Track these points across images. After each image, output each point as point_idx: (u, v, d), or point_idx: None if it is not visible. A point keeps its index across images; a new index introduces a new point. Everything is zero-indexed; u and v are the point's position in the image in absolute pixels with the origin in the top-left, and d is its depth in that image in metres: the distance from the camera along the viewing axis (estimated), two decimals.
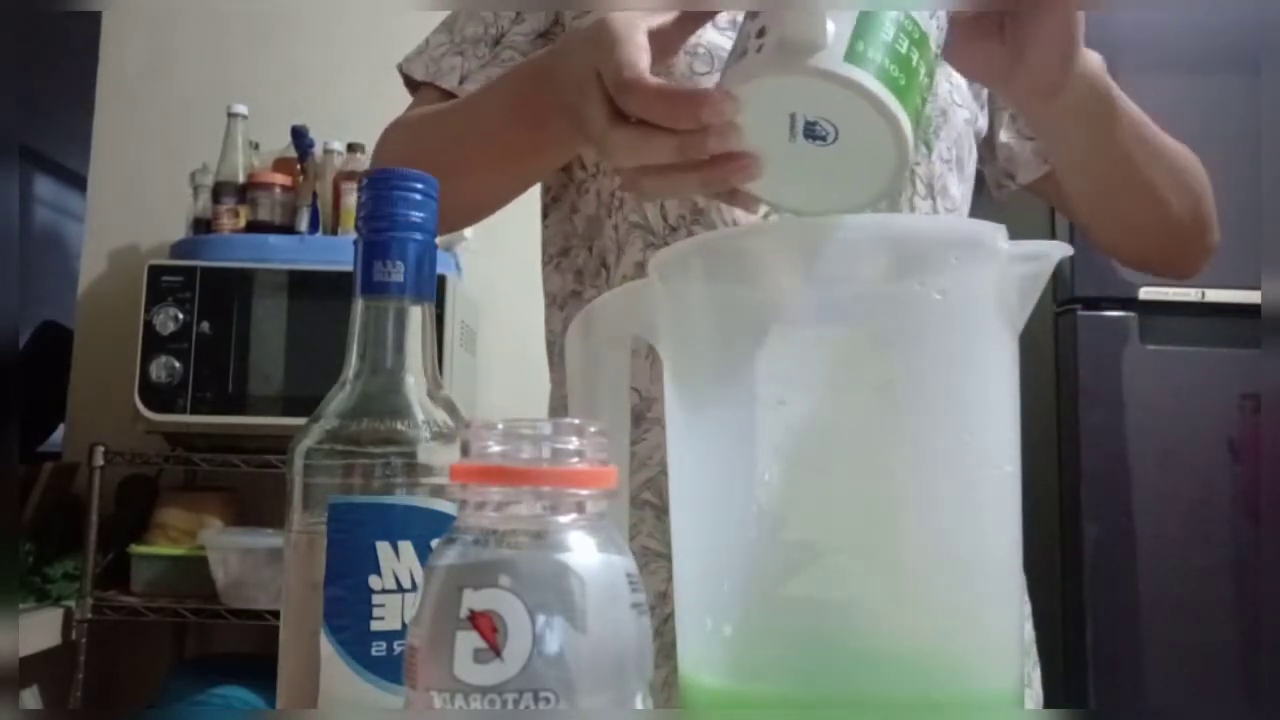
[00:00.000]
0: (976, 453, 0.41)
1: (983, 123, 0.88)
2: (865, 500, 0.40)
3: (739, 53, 0.47)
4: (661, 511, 0.76)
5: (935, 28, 0.47)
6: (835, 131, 0.45)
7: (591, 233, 0.85)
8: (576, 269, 0.86)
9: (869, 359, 0.41)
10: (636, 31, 0.54)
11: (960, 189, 0.85)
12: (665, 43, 0.57)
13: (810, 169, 0.47)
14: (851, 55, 0.43)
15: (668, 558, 0.75)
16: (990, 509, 0.41)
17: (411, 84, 0.90)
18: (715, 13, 0.57)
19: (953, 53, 0.58)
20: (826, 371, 0.41)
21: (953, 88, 0.83)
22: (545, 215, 0.91)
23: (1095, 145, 0.72)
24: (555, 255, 0.89)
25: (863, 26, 0.44)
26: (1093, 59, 0.66)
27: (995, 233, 0.42)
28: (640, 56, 0.53)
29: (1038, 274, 0.42)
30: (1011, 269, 0.42)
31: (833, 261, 0.43)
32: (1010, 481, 0.42)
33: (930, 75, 0.47)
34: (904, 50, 0.45)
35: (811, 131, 0.46)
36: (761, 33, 0.46)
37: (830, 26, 0.44)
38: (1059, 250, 0.43)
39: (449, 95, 0.86)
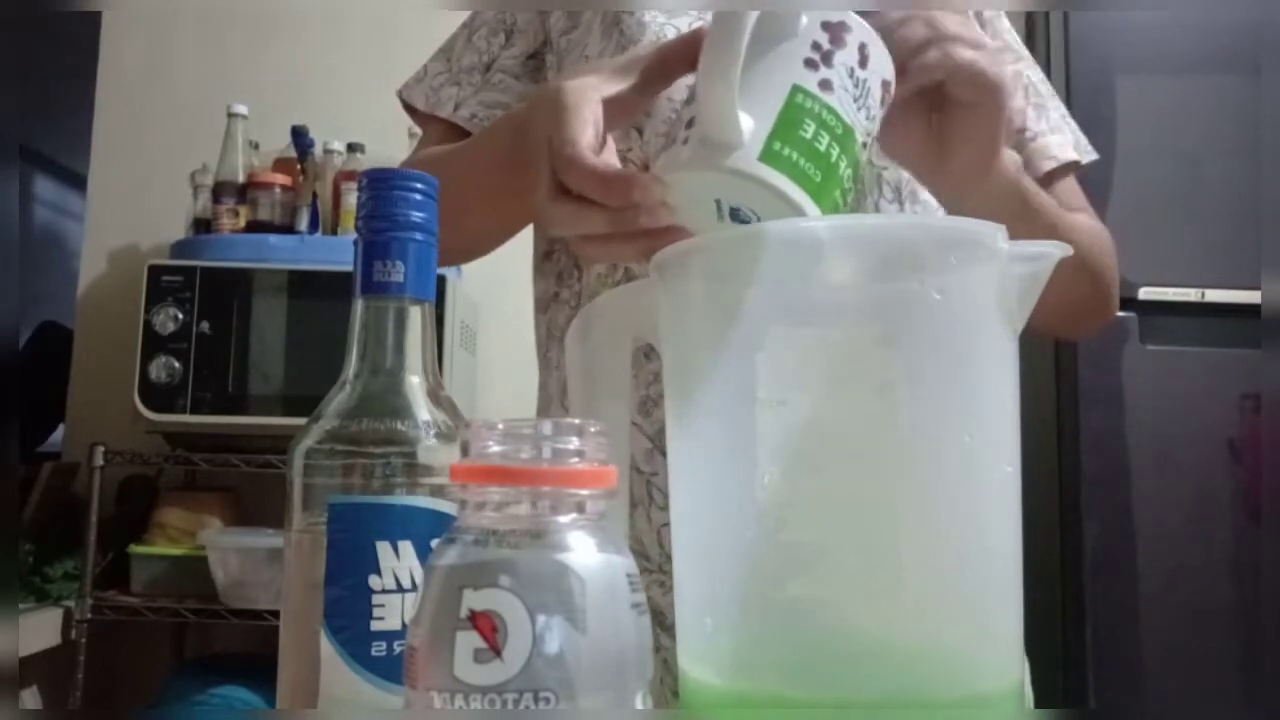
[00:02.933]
0: (976, 453, 0.41)
1: None
2: (865, 500, 0.40)
3: (671, 139, 0.51)
4: (631, 505, 0.78)
5: (864, 119, 0.50)
6: (757, 216, 0.49)
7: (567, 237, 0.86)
8: (557, 271, 0.88)
9: (869, 359, 0.41)
10: (587, 104, 0.56)
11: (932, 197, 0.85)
12: (624, 108, 0.58)
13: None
14: (767, 154, 0.47)
15: (636, 550, 0.77)
16: (990, 509, 0.41)
17: (413, 111, 0.93)
18: (675, 79, 0.59)
19: (882, 134, 0.60)
20: (826, 371, 0.41)
21: None
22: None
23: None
24: (540, 259, 0.91)
25: (782, 125, 0.48)
26: (1011, 159, 0.68)
27: (995, 233, 0.42)
28: (584, 131, 0.55)
29: (1038, 274, 0.42)
30: (1011, 269, 0.42)
31: (832, 261, 0.43)
32: (1010, 481, 0.42)
33: (853, 166, 0.50)
34: (822, 147, 0.48)
35: (736, 215, 0.50)
36: (690, 123, 0.49)
37: (749, 125, 0.47)
38: (1059, 250, 0.43)
39: (452, 125, 0.89)
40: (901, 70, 0.56)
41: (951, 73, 0.57)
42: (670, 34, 0.81)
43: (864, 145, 0.51)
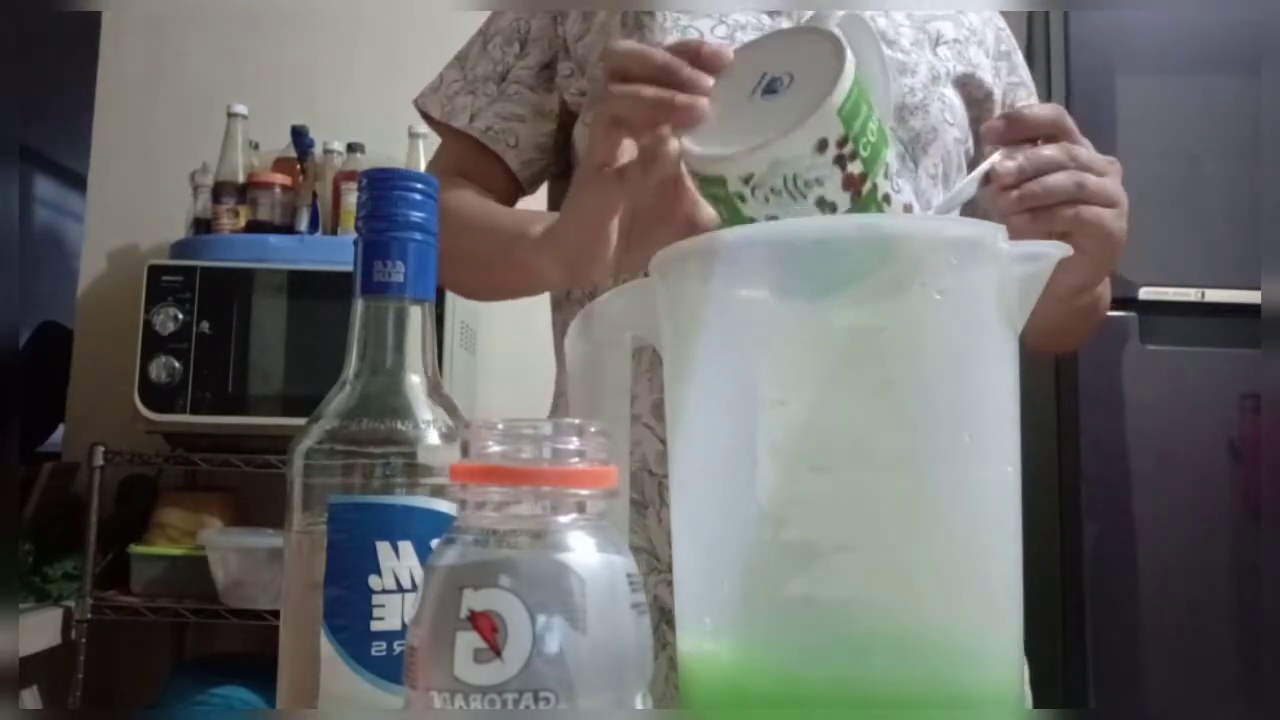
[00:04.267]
0: (976, 453, 0.41)
1: (971, 145, 0.89)
2: (865, 500, 0.40)
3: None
4: (641, 506, 0.78)
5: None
6: (788, 83, 0.50)
7: None
8: None
9: (869, 359, 0.41)
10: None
11: None
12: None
13: (744, 124, 0.51)
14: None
15: (647, 550, 0.77)
16: (990, 509, 0.41)
17: (429, 119, 0.93)
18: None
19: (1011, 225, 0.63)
20: (826, 371, 0.41)
21: (946, 106, 0.84)
22: (552, 200, 0.93)
23: (1065, 314, 0.76)
24: None
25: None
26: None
27: (995, 233, 0.42)
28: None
29: (1038, 274, 0.42)
30: (1011, 269, 0.42)
31: (833, 261, 0.43)
32: (1010, 481, 0.42)
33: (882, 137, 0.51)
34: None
35: (771, 86, 0.50)
36: None
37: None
38: (1059, 250, 0.43)
39: (464, 134, 0.90)
40: (1034, 209, 0.59)
41: (1079, 226, 0.61)
42: (693, 35, 0.81)
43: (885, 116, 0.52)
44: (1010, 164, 0.60)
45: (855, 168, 0.49)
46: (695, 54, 0.54)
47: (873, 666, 0.39)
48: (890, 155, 0.51)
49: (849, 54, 0.49)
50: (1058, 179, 0.60)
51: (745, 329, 0.43)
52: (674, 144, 0.53)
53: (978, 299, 0.42)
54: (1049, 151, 0.61)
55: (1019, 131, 0.62)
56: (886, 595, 0.40)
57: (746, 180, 0.49)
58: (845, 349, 0.41)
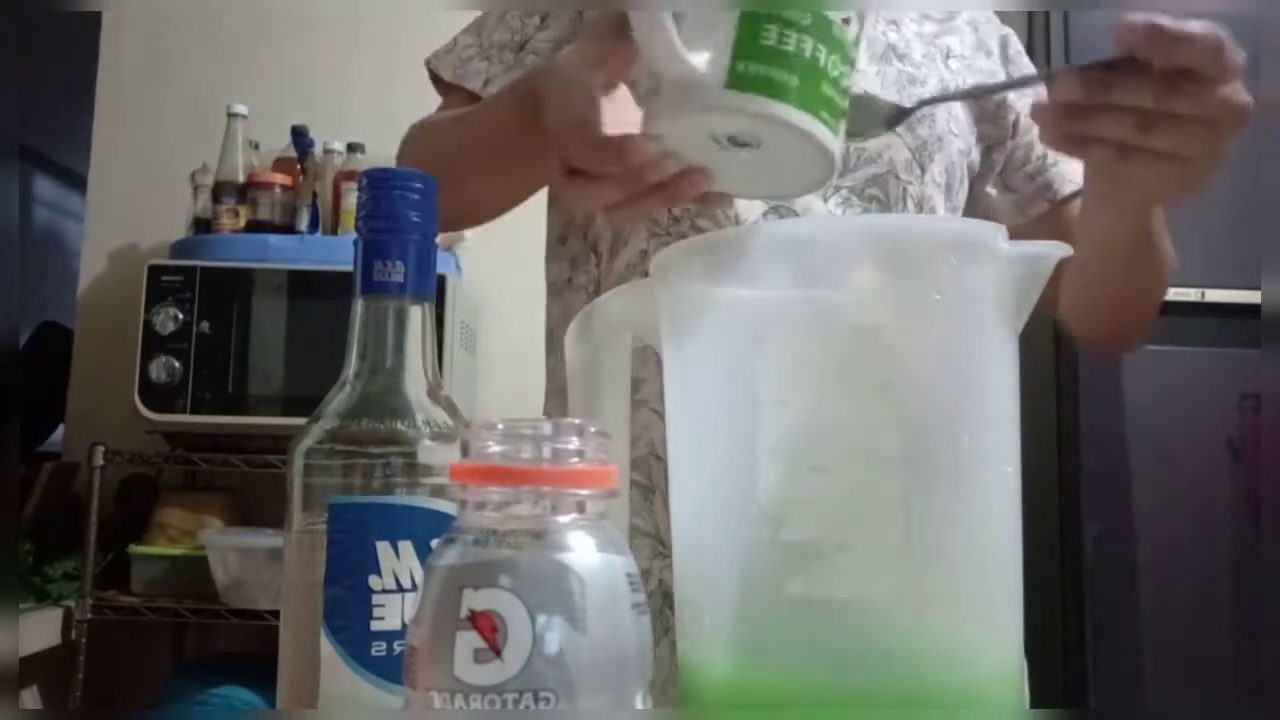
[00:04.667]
0: (977, 453, 0.41)
1: (976, 156, 0.90)
2: (865, 500, 0.40)
3: (651, 90, 0.50)
4: (648, 491, 0.78)
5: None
6: (757, 140, 0.48)
7: (585, 221, 0.87)
8: (571, 256, 0.88)
9: (869, 359, 0.41)
10: (579, 83, 0.58)
11: (947, 212, 0.87)
12: (619, 62, 0.58)
13: (756, 163, 0.49)
14: (733, 79, 0.45)
15: (652, 535, 0.77)
16: (991, 509, 0.41)
17: (438, 80, 0.92)
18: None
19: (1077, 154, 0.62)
20: (826, 371, 0.41)
21: (951, 118, 0.85)
22: (550, 205, 0.93)
23: (1115, 256, 0.75)
24: (554, 243, 0.91)
25: (741, 43, 0.46)
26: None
27: (995, 233, 0.42)
28: (584, 108, 0.56)
29: (1038, 274, 0.42)
30: (1011, 269, 0.42)
31: (833, 261, 0.43)
32: (1010, 481, 0.42)
33: (841, 50, 0.47)
34: (792, 46, 0.46)
35: (736, 141, 0.49)
36: (653, 76, 0.49)
37: (704, 57, 0.46)
38: (1058, 250, 0.43)
39: (475, 97, 0.89)
40: (1173, 45, 0.54)
41: (1223, 109, 0.60)
42: None
43: (851, 20, 0.48)
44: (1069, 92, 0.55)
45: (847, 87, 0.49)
46: (623, 158, 0.52)
47: (872, 666, 0.39)
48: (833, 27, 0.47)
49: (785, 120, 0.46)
50: (1220, 45, 0.56)
51: (745, 329, 0.43)
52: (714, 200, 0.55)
53: (977, 299, 0.42)
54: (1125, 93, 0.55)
55: (1163, 52, 0.54)
56: (886, 595, 0.40)
57: None
58: (845, 349, 0.41)
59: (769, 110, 0.45)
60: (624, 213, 0.57)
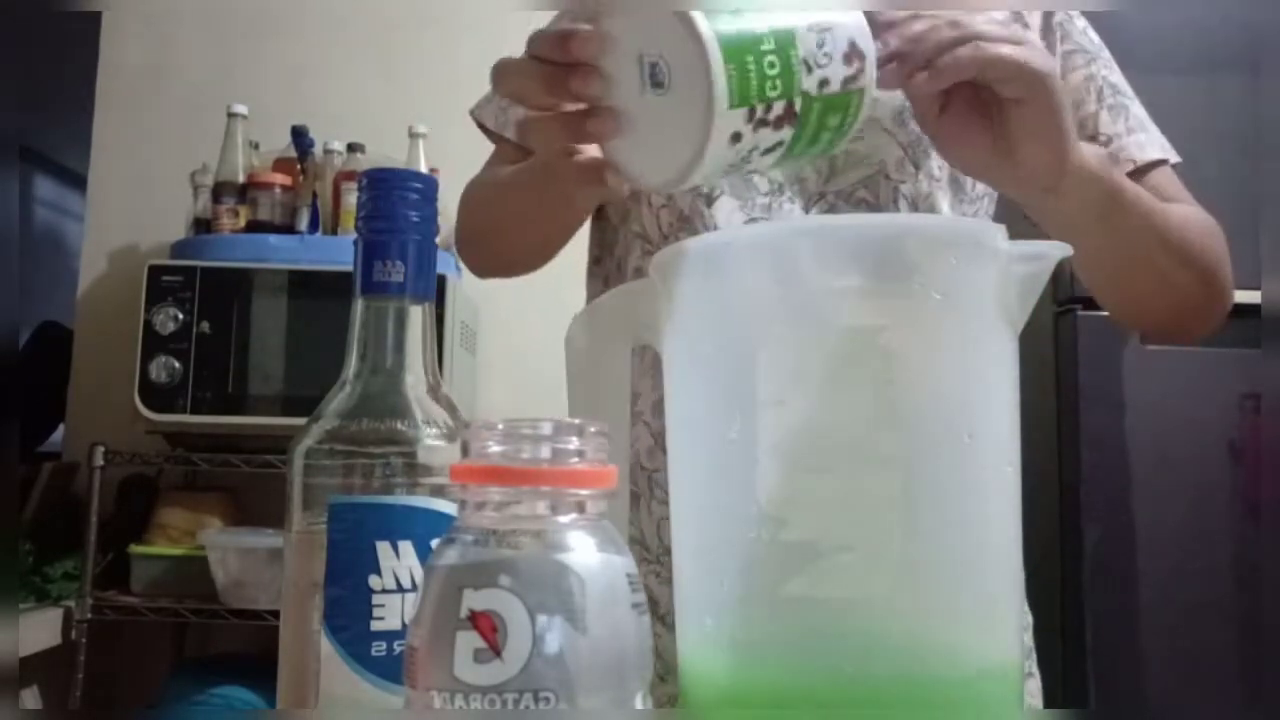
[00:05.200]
0: (976, 453, 0.41)
1: None
2: (865, 501, 0.40)
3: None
4: (634, 498, 0.80)
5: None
6: (669, 73, 0.49)
7: (612, 241, 0.90)
8: (605, 276, 0.91)
9: (869, 359, 0.41)
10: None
11: (958, 210, 0.85)
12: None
13: (657, 120, 0.51)
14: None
15: (637, 542, 0.79)
16: (990, 509, 0.41)
17: (484, 129, 0.94)
18: None
19: (944, 147, 0.61)
20: (826, 371, 0.41)
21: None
22: (591, 224, 0.94)
23: (1101, 236, 0.70)
24: (591, 263, 0.94)
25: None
26: (1093, 153, 0.66)
27: (995, 233, 0.42)
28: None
29: (1038, 274, 0.42)
30: (1011, 269, 0.42)
31: (833, 261, 0.43)
32: (1010, 481, 0.42)
33: (782, 46, 0.49)
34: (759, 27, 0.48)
35: (655, 75, 0.50)
36: None
37: None
38: (1059, 250, 0.43)
39: (520, 147, 0.90)
40: (926, 69, 0.56)
41: (986, 68, 0.56)
42: None
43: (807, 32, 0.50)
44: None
45: (779, 110, 0.49)
46: (565, 46, 0.54)
47: (872, 667, 0.39)
48: (798, 50, 0.49)
49: (702, 36, 0.47)
50: (935, 29, 0.57)
51: (744, 329, 0.43)
52: (612, 177, 0.56)
53: (978, 299, 0.42)
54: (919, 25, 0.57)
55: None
56: (886, 595, 0.40)
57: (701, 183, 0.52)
58: (845, 349, 0.41)
59: (698, 28, 0.47)
60: (533, 123, 0.57)
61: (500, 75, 0.58)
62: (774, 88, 0.48)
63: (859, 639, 0.40)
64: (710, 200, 0.81)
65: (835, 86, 0.50)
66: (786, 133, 0.50)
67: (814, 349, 0.41)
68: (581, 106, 0.55)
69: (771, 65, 0.48)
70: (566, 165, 0.61)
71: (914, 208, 0.82)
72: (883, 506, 0.40)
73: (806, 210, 0.81)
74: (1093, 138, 0.86)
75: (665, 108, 0.50)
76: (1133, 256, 0.74)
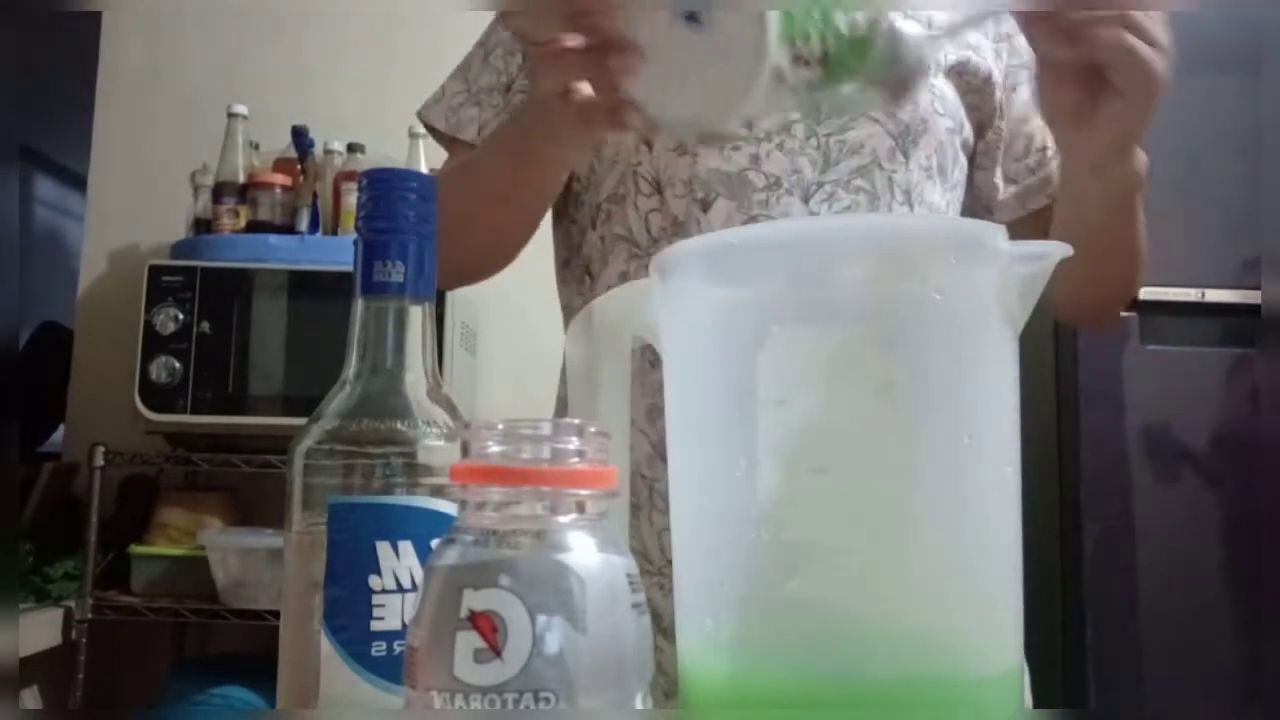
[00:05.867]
0: (976, 453, 0.41)
1: (969, 134, 0.89)
2: (865, 501, 0.40)
3: None
4: (634, 509, 0.79)
5: None
6: (707, 5, 0.48)
7: (580, 243, 0.88)
8: (575, 278, 0.89)
9: (869, 359, 0.41)
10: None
11: (945, 197, 0.86)
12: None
13: (691, 60, 0.49)
14: None
15: (639, 553, 0.78)
16: (990, 509, 0.41)
17: (434, 131, 0.92)
18: None
19: (1038, 90, 0.65)
20: (826, 371, 0.41)
21: (935, 97, 0.84)
22: (553, 227, 0.93)
23: (1106, 218, 0.75)
24: (560, 266, 0.93)
25: None
26: (1141, 161, 0.71)
27: (995, 233, 0.42)
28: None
29: (1038, 274, 0.42)
30: (1012, 269, 0.42)
31: (833, 261, 0.43)
32: (1010, 482, 0.42)
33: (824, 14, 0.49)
34: None
35: (689, 11, 0.48)
36: None
37: None
38: (1059, 250, 0.43)
39: (473, 146, 0.89)
40: (1073, 37, 0.58)
41: (1119, 57, 0.59)
42: None
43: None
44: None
45: (816, 48, 0.49)
46: None
47: (873, 667, 0.39)
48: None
49: None
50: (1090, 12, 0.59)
51: (744, 329, 0.43)
52: (636, 118, 0.54)
53: (978, 299, 0.42)
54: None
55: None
56: (886, 596, 0.40)
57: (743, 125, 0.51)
58: (845, 349, 0.41)
59: None
60: (547, 57, 0.56)
61: (508, 12, 0.56)
62: (814, 24, 0.48)
63: (858, 640, 0.40)
64: (706, 205, 0.81)
65: (862, 28, 0.50)
66: (819, 72, 0.49)
67: (814, 349, 0.41)
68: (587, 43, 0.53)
69: (814, 13, 0.48)
70: (566, 107, 0.59)
71: (906, 196, 0.82)
72: (883, 507, 0.40)
73: (806, 201, 0.81)
74: (1042, 149, 0.90)
75: (700, 43, 0.48)
76: (1109, 257, 0.80)
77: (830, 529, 0.40)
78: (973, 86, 0.88)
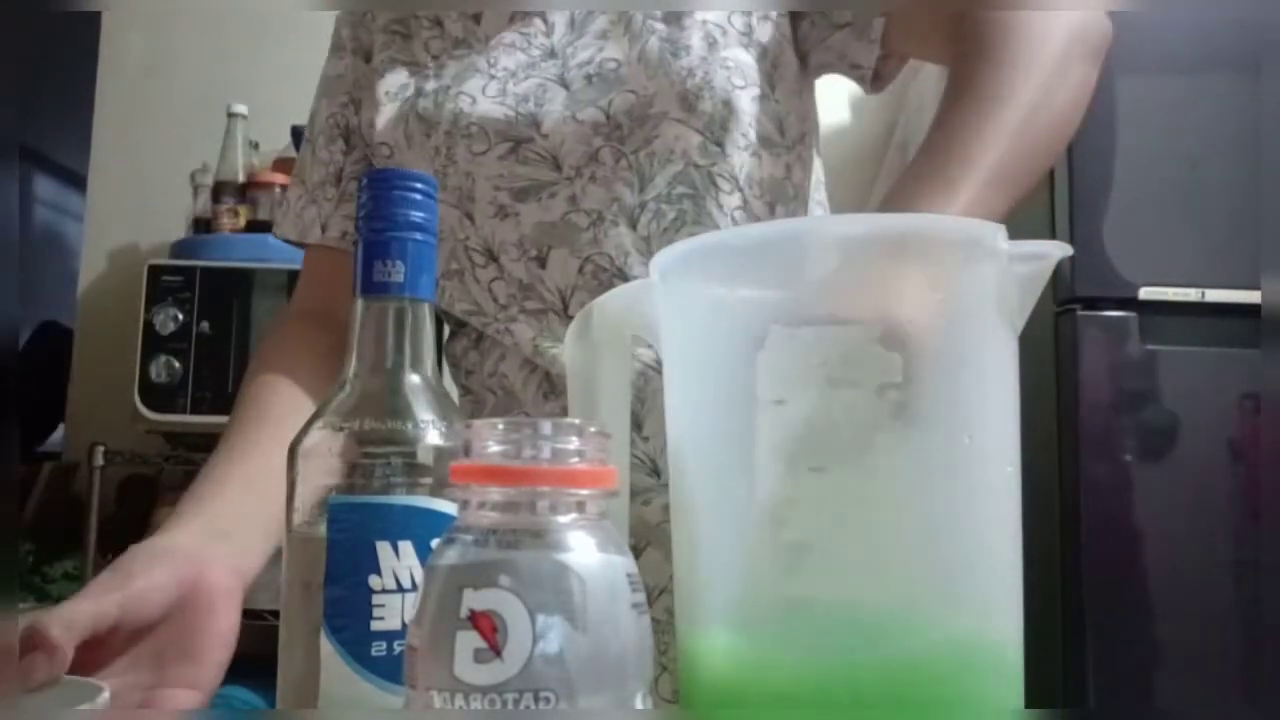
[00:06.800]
0: (977, 453, 0.41)
1: (785, 84, 0.82)
2: (865, 500, 0.40)
3: None
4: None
5: None
6: None
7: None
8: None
9: (869, 359, 0.41)
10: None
11: (787, 159, 0.81)
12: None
13: None
14: None
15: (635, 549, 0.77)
16: (990, 509, 0.41)
17: (290, 242, 0.90)
18: None
19: None
20: (826, 371, 0.41)
21: (730, 71, 0.78)
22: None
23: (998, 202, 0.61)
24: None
25: None
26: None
27: (995, 233, 0.42)
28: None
29: (1038, 274, 0.42)
30: (1011, 269, 0.42)
31: (832, 260, 0.43)
32: (1010, 481, 0.42)
33: None
34: None
35: None
36: None
37: None
38: (1059, 250, 0.43)
39: (322, 247, 0.87)
40: None
41: None
42: (465, 101, 0.80)
43: None
44: None
45: None
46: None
47: (872, 666, 0.39)
48: None
49: None
50: None
51: (744, 329, 0.43)
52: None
53: (978, 299, 0.42)
54: None
55: None
56: (886, 596, 0.40)
57: None
58: (845, 349, 0.41)
59: None
60: None
61: None
62: None
63: (859, 638, 0.40)
64: (543, 261, 0.78)
65: None
66: None
67: (814, 349, 0.41)
68: None
69: None
70: None
71: (735, 182, 0.78)
72: (883, 507, 0.40)
73: (634, 227, 0.77)
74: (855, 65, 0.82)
75: None
76: (1025, 168, 0.63)
77: (830, 529, 0.40)
78: (765, 44, 0.81)
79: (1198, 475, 1.59)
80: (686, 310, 0.45)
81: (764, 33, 0.81)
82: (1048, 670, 1.59)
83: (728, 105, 0.78)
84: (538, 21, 0.83)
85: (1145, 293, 1.62)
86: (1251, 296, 1.53)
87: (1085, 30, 0.70)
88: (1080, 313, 1.62)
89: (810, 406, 0.41)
